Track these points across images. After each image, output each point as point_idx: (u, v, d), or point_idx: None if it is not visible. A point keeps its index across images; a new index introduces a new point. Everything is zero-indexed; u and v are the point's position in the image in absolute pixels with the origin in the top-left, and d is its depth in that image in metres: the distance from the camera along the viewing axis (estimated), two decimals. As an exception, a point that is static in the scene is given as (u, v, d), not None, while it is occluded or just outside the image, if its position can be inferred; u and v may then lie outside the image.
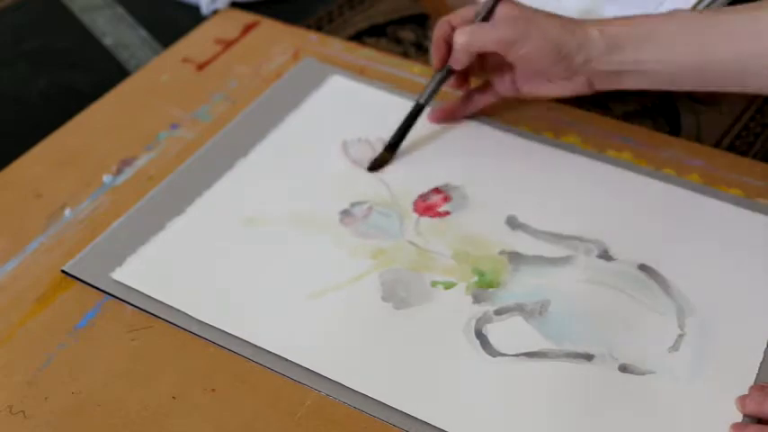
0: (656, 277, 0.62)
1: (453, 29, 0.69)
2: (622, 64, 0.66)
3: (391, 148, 0.71)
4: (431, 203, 0.68)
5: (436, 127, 0.74)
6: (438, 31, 0.70)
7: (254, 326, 0.59)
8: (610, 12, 0.79)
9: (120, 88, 0.79)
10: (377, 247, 0.64)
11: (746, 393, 0.55)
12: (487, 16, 0.68)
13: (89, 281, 0.62)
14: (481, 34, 0.67)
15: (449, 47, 0.69)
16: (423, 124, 0.75)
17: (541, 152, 0.72)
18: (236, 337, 0.58)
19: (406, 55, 0.84)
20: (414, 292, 0.61)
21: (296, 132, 0.74)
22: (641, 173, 0.70)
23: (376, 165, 0.70)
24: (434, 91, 0.71)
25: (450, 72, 0.71)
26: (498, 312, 0.60)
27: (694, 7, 0.78)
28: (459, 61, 0.68)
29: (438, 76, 0.71)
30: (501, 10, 0.67)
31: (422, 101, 0.71)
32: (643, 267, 0.63)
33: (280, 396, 0.56)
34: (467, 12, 0.69)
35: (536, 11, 0.67)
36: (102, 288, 0.62)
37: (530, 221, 0.66)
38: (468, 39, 0.67)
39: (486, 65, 0.71)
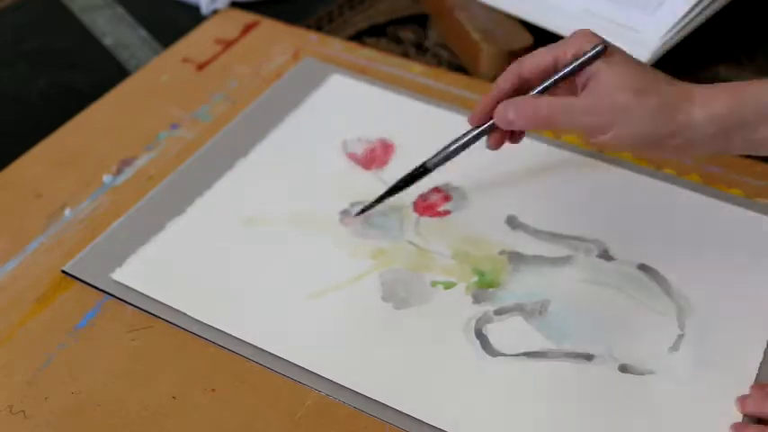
0: (656, 277, 0.62)
1: (522, 82, 0.58)
2: (730, 143, 0.56)
3: (379, 201, 0.66)
4: (431, 203, 0.68)
5: (436, 127, 0.74)
6: (502, 84, 0.58)
7: (254, 326, 0.59)
8: (610, 11, 0.79)
9: (120, 88, 0.79)
10: (377, 247, 0.64)
11: (746, 393, 0.55)
12: (567, 76, 0.57)
13: (89, 281, 0.62)
14: (560, 113, 0.55)
15: (503, 98, 0.58)
16: (423, 124, 0.75)
17: (541, 152, 0.72)
18: (236, 337, 0.58)
19: (406, 55, 0.84)
20: (414, 292, 0.61)
21: (296, 132, 0.74)
22: (641, 173, 0.70)
23: (363, 211, 0.66)
24: (452, 156, 0.62)
25: (485, 133, 0.60)
26: (498, 312, 0.60)
27: (693, 8, 0.78)
28: (510, 125, 0.57)
29: (468, 138, 0.61)
30: (593, 74, 0.55)
31: (430, 165, 0.63)
32: (643, 267, 0.63)
33: (280, 396, 0.56)
34: (541, 59, 0.57)
35: (631, 79, 0.55)
36: (102, 288, 0.62)
37: (530, 221, 0.66)
38: (548, 114, 0.55)
39: None
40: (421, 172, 0.64)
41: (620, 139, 0.55)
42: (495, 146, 0.60)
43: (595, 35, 0.57)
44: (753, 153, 0.57)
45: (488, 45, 0.79)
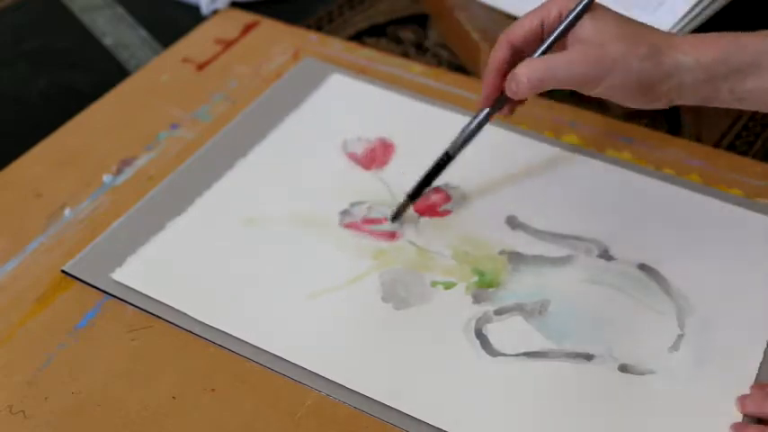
0: (656, 277, 0.62)
1: (514, 52, 0.59)
2: (717, 93, 0.57)
3: (412, 198, 0.66)
4: (431, 203, 0.68)
5: (436, 127, 0.74)
6: (496, 55, 0.59)
7: (254, 326, 0.59)
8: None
9: (120, 88, 0.79)
10: (377, 247, 0.64)
11: (746, 393, 0.55)
12: (561, 36, 0.58)
13: (89, 281, 0.62)
14: (556, 71, 0.57)
15: (504, 75, 0.59)
16: (423, 124, 0.75)
17: (541, 152, 0.72)
18: (236, 337, 0.58)
19: (406, 55, 0.84)
20: (414, 292, 0.61)
21: (296, 132, 0.74)
22: (641, 173, 0.70)
23: (397, 214, 0.66)
24: (470, 139, 0.63)
25: (498, 108, 0.62)
26: (498, 312, 0.60)
27: (693, 8, 0.78)
28: (521, 94, 0.58)
29: (480, 117, 0.62)
30: (580, 31, 0.57)
31: (452, 152, 0.64)
32: (643, 267, 0.63)
33: (280, 396, 0.56)
34: (528, 24, 0.59)
35: (617, 31, 0.56)
36: (102, 288, 0.62)
37: (530, 221, 0.66)
38: (541, 75, 0.57)
39: None
40: (445, 160, 0.64)
41: (614, 87, 0.56)
42: (510, 112, 0.63)
43: None
44: (738, 107, 0.58)
45: (488, 45, 0.79)
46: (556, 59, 0.57)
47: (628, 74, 0.55)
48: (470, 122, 0.63)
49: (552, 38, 0.58)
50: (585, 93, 0.57)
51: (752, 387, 0.56)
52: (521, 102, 0.62)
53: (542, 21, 0.58)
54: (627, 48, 0.55)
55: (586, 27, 0.56)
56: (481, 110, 0.62)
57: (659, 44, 0.56)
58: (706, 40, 0.56)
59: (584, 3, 0.57)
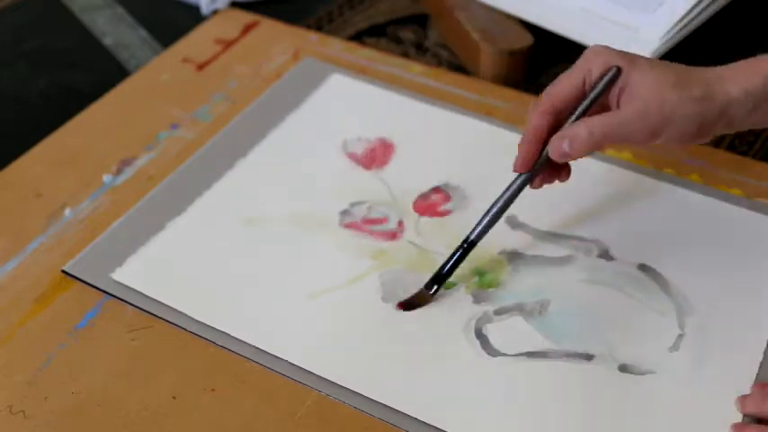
0: (656, 277, 0.62)
1: (556, 117, 0.57)
2: (765, 118, 0.57)
3: (429, 287, 0.61)
4: (431, 203, 0.68)
5: (436, 127, 0.74)
6: (539, 122, 0.57)
7: (254, 326, 0.59)
8: (610, 11, 0.79)
9: (120, 88, 0.79)
10: (377, 247, 0.64)
11: (746, 393, 0.55)
12: (600, 94, 0.57)
13: (89, 281, 0.62)
14: (621, 127, 0.55)
15: (543, 141, 0.57)
16: (423, 124, 0.75)
17: (541, 152, 0.72)
18: (236, 337, 0.58)
19: (406, 55, 0.84)
20: (414, 293, 0.61)
21: (296, 132, 0.74)
22: (641, 173, 0.70)
23: (409, 306, 0.60)
24: (494, 222, 0.60)
25: (534, 176, 0.59)
26: (498, 312, 0.60)
27: (693, 8, 0.78)
28: (575, 154, 0.56)
29: (512, 191, 0.59)
30: (630, 85, 0.56)
31: (474, 237, 0.60)
32: (643, 267, 0.63)
33: (280, 396, 0.56)
34: (570, 84, 0.57)
35: (666, 79, 0.55)
36: (103, 288, 0.62)
37: (530, 221, 0.66)
38: (605, 130, 0.55)
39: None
40: (467, 249, 0.60)
41: (675, 136, 0.55)
42: (541, 184, 0.60)
43: (608, 48, 0.57)
44: None
45: (488, 45, 0.79)
46: (617, 116, 0.56)
47: (687, 120, 0.55)
48: (503, 194, 0.59)
49: (592, 97, 0.57)
50: (642, 145, 0.58)
51: (752, 387, 0.56)
52: (561, 173, 0.60)
53: (584, 81, 0.57)
54: (681, 93, 0.55)
55: (635, 81, 0.56)
56: (518, 176, 0.59)
57: (709, 81, 0.56)
58: (748, 68, 0.57)
59: (612, 71, 0.56)
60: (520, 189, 0.59)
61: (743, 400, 0.55)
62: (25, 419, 0.54)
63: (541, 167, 0.58)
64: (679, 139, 0.56)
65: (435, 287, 0.60)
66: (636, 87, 0.56)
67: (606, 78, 0.56)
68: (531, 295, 0.61)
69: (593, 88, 0.57)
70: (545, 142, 0.57)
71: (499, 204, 0.59)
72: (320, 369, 0.57)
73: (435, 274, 0.60)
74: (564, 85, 0.57)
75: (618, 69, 0.56)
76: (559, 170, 0.60)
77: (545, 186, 0.66)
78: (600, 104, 0.57)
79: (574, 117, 0.57)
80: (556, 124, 0.57)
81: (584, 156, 0.56)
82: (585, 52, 0.58)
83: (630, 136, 0.56)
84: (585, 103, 0.57)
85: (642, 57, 0.57)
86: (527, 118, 0.58)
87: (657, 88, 0.55)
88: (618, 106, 0.57)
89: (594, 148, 0.56)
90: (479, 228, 0.60)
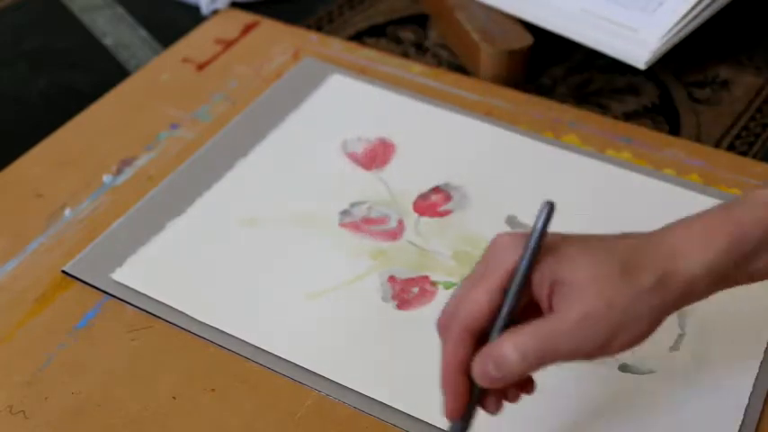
0: (656, 277, 0.62)
1: (475, 339, 0.44)
2: (728, 284, 0.47)
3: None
4: (431, 203, 0.68)
5: (436, 127, 0.74)
6: (457, 353, 0.44)
7: (254, 326, 0.59)
8: (609, 11, 0.79)
9: (120, 88, 0.79)
10: (377, 247, 0.64)
11: (747, 392, 0.55)
12: (527, 274, 0.44)
13: (89, 281, 0.62)
14: (558, 340, 0.43)
15: (469, 373, 0.44)
16: (423, 124, 0.75)
17: (541, 152, 0.72)
18: (236, 337, 0.58)
19: (406, 55, 0.84)
20: (414, 293, 0.61)
21: (296, 132, 0.74)
22: (641, 173, 0.70)
23: None
24: None
25: (471, 419, 0.46)
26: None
27: (693, 8, 0.78)
28: (508, 377, 0.44)
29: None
30: (558, 284, 0.44)
31: None
32: (643, 267, 0.63)
33: (280, 396, 0.56)
34: (485, 299, 0.44)
35: (605, 264, 0.43)
36: (102, 288, 0.62)
37: (530, 221, 0.66)
38: (537, 346, 0.43)
39: None
40: None
41: (627, 342, 0.44)
42: (497, 410, 0.47)
43: (515, 236, 0.46)
44: (754, 282, 0.48)
45: (488, 45, 0.79)
46: (555, 325, 0.43)
47: (643, 320, 0.44)
48: None
49: (507, 306, 0.44)
50: (586, 360, 0.44)
51: None
52: (521, 388, 0.47)
53: (500, 284, 0.44)
54: (630, 287, 0.43)
55: (568, 273, 0.43)
56: (452, 426, 0.46)
57: (660, 259, 0.44)
58: (706, 233, 0.45)
59: (532, 246, 0.44)
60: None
61: None
62: (25, 419, 0.54)
63: (482, 399, 0.46)
64: (632, 343, 0.44)
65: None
66: (571, 283, 0.43)
67: (520, 273, 0.44)
68: (531, 295, 0.61)
69: (507, 290, 0.44)
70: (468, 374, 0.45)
71: None
72: (320, 369, 0.57)
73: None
74: (476, 300, 0.44)
75: (551, 206, 0.45)
76: (523, 383, 0.47)
77: (545, 187, 0.66)
78: (526, 304, 0.45)
79: (496, 328, 0.44)
80: (477, 348, 0.45)
81: (522, 376, 0.44)
82: (488, 249, 0.47)
83: (575, 352, 0.43)
84: (506, 306, 0.44)
85: (567, 237, 0.45)
86: (441, 352, 0.45)
87: (600, 283, 0.43)
88: (551, 309, 0.44)
89: (530, 369, 0.44)
90: None
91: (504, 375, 0.43)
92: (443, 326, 0.45)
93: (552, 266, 0.44)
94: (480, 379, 0.44)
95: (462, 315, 0.44)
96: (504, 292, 0.44)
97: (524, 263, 0.44)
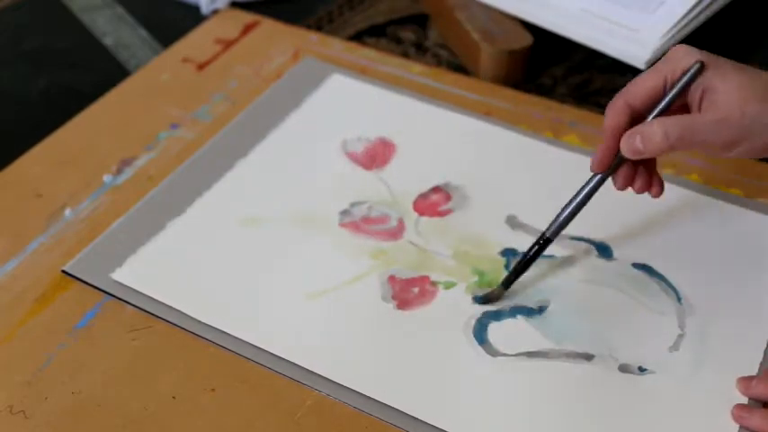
0: (656, 277, 0.62)
1: (633, 115, 0.56)
2: None
3: (506, 285, 0.61)
4: (431, 203, 0.68)
5: (436, 127, 0.74)
6: (616, 119, 0.56)
7: (254, 326, 0.59)
8: (610, 11, 0.79)
9: (120, 88, 0.79)
10: (377, 247, 0.64)
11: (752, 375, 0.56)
12: (682, 91, 0.55)
13: (89, 281, 0.62)
14: (698, 131, 0.54)
15: (618, 141, 0.56)
16: (423, 124, 0.75)
17: (541, 152, 0.72)
18: (236, 337, 0.58)
19: (406, 55, 0.84)
20: (413, 292, 0.61)
21: (296, 132, 0.74)
22: (641, 173, 0.70)
23: (486, 300, 0.61)
24: (569, 220, 0.59)
25: (610, 174, 0.58)
26: (498, 312, 0.60)
27: (693, 8, 0.78)
28: (649, 152, 0.55)
29: (588, 189, 0.58)
30: (709, 89, 0.54)
31: (549, 234, 0.59)
32: (643, 267, 0.63)
33: (280, 396, 0.56)
34: (651, 84, 0.56)
35: (749, 86, 0.54)
36: (103, 288, 0.62)
37: (530, 221, 0.66)
38: (680, 133, 0.54)
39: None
40: (542, 247, 0.60)
41: (753, 150, 0.54)
42: (624, 185, 0.58)
43: (693, 49, 0.55)
44: None
45: (488, 45, 0.79)
46: (695, 121, 0.54)
47: (763, 135, 0.54)
48: (578, 193, 0.59)
49: (670, 97, 0.55)
50: (718, 155, 0.55)
51: (764, 372, 0.56)
52: (648, 181, 0.58)
53: (665, 80, 0.56)
54: (764, 106, 0.53)
55: (717, 85, 0.54)
56: (592, 176, 0.58)
57: None
58: None
59: (695, 67, 0.54)
60: (596, 188, 0.58)
61: (747, 382, 0.55)
62: (25, 419, 0.54)
63: (618, 167, 0.57)
64: (755, 152, 0.55)
65: (508, 286, 0.60)
66: (718, 93, 0.54)
67: (689, 74, 0.54)
68: (531, 295, 0.61)
69: (674, 84, 0.55)
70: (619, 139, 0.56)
71: (575, 202, 0.59)
72: (320, 369, 0.57)
73: (510, 273, 0.60)
74: (643, 85, 0.56)
75: (701, 65, 0.54)
76: (650, 180, 0.58)
77: (545, 187, 0.66)
78: (680, 104, 0.56)
79: (654, 113, 0.55)
80: (633, 123, 0.56)
81: (658, 155, 0.55)
82: (668, 53, 0.56)
83: (706, 143, 0.54)
84: (667, 98, 0.55)
85: (728, 61, 0.55)
86: (604, 117, 0.56)
87: (740, 98, 0.53)
88: (699, 109, 0.55)
89: (668, 149, 0.54)
90: (554, 225, 0.59)
91: (646, 148, 0.54)
92: (611, 102, 0.57)
93: (709, 77, 0.54)
94: (626, 148, 0.55)
95: (629, 91, 0.56)
96: (665, 87, 0.55)
97: (693, 69, 0.55)
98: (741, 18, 0.87)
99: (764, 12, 0.89)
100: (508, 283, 0.61)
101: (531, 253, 0.60)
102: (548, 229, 0.59)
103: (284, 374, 0.57)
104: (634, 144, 0.55)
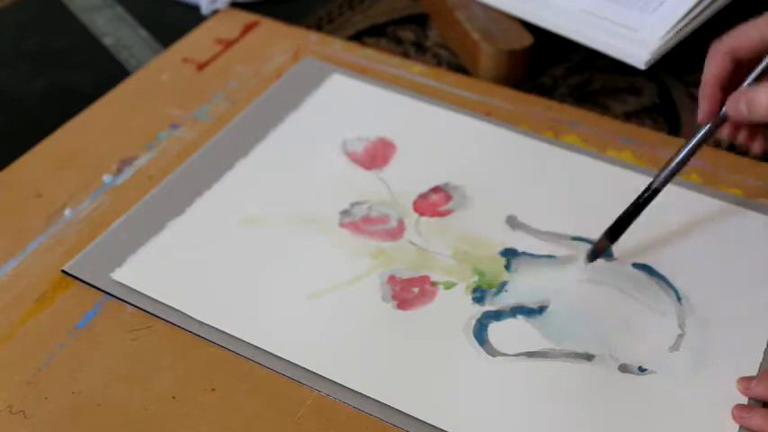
0: (656, 277, 0.62)
1: (737, 63, 0.54)
2: None
3: (611, 239, 0.61)
4: (431, 203, 0.68)
5: (436, 127, 0.74)
6: (718, 67, 0.54)
7: (254, 326, 0.59)
8: (610, 11, 0.79)
9: (120, 88, 0.79)
10: (377, 247, 0.64)
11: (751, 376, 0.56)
12: None
13: (89, 281, 0.62)
14: None
15: (724, 88, 0.55)
16: (423, 124, 0.75)
17: (541, 152, 0.72)
18: (236, 336, 0.58)
19: (406, 55, 0.84)
20: (413, 293, 0.61)
21: (296, 132, 0.74)
22: (641, 173, 0.70)
23: (594, 255, 0.62)
24: (676, 171, 0.58)
25: (718, 126, 0.57)
26: (498, 312, 0.60)
27: (693, 8, 0.78)
28: (752, 119, 0.53)
29: (700, 135, 0.56)
30: None
31: (657, 184, 0.58)
32: (643, 267, 0.63)
33: (280, 396, 0.56)
34: (758, 35, 0.54)
35: None
36: (102, 288, 0.62)
37: (530, 221, 0.66)
38: None
39: None
40: (649, 197, 0.59)
41: None
42: (732, 137, 0.57)
43: None
44: None
45: (488, 45, 0.79)
46: None
47: None
48: (687, 144, 0.57)
49: None
50: None
51: (762, 371, 0.56)
52: (753, 134, 0.57)
53: None
54: None
55: None
56: (699, 128, 0.57)
57: None
58: None
59: None
60: (704, 140, 0.57)
61: (747, 383, 0.55)
62: (25, 419, 0.55)
63: (725, 121, 0.56)
64: None
65: (615, 239, 0.60)
66: None
67: None
68: (531, 295, 0.61)
69: None
70: (727, 90, 0.54)
71: (683, 153, 0.57)
72: (320, 369, 0.57)
73: (615, 223, 0.60)
74: (746, 36, 0.54)
75: None
76: (755, 132, 0.57)
77: (545, 187, 0.66)
78: None
79: (753, 75, 0.53)
80: (736, 72, 0.54)
81: (761, 121, 0.53)
82: None
83: None
84: (765, 62, 0.53)
85: None
86: (705, 65, 0.54)
87: None
88: None
89: None
90: (662, 176, 0.58)
91: (751, 114, 0.52)
92: (712, 48, 0.55)
93: None
94: (731, 111, 0.53)
95: (731, 41, 0.54)
96: None
97: None
98: (741, 18, 0.87)
99: (764, 12, 0.89)
100: (613, 235, 0.60)
101: (640, 202, 0.59)
102: (655, 178, 0.58)
103: (284, 374, 0.57)
104: (738, 107, 0.53)
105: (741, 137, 0.58)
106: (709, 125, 0.57)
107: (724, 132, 0.57)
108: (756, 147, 0.57)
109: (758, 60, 0.54)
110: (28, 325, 0.60)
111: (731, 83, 0.55)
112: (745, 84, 0.54)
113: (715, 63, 0.55)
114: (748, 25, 0.55)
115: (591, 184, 0.69)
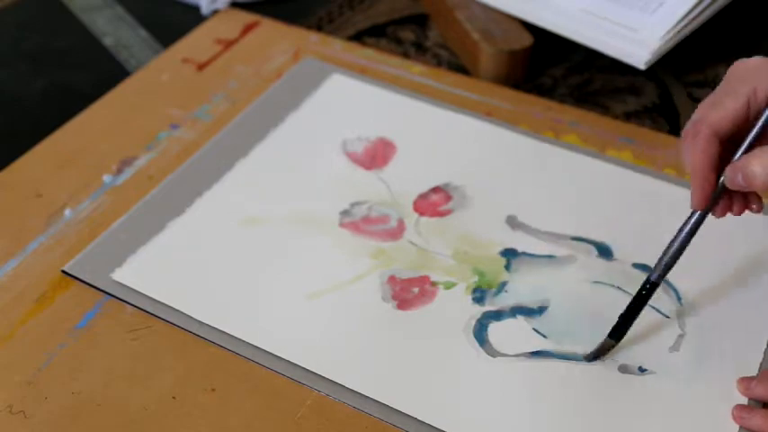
0: (656, 277, 0.62)
1: (722, 143, 0.52)
2: None
3: (616, 338, 0.57)
4: (431, 203, 0.68)
5: (436, 127, 0.74)
6: (708, 152, 0.52)
7: (253, 326, 0.59)
8: (610, 11, 0.79)
9: (120, 88, 0.79)
10: (377, 247, 0.64)
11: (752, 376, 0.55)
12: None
13: (89, 281, 0.62)
14: None
15: (716, 168, 0.52)
16: (423, 124, 0.75)
17: (541, 152, 0.72)
18: (236, 336, 0.58)
19: (406, 55, 0.84)
20: (413, 293, 0.61)
21: (296, 132, 0.74)
22: (641, 173, 0.70)
23: (597, 355, 0.58)
24: (674, 263, 0.55)
25: (713, 207, 0.54)
26: (498, 312, 0.60)
27: (693, 8, 0.78)
28: (757, 189, 0.51)
29: (691, 226, 0.54)
30: None
31: (654, 278, 0.56)
32: (643, 267, 0.63)
33: (280, 396, 0.56)
34: (733, 107, 0.52)
35: None
36: (102, 288, 0.62)
37: (530, 221, 0.66)
38: None
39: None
40: (649, 292, 0.56)
41: None
42: (723, 214, 0.55)
43: (763, 59, 0.52)
44: None
45: (488, 45, 0.79)
46: None
47: None
48: (680, 231, 0.55)
49: (760, 124, 0.51)
50: None
51: (761, 372, 0.56)
52: (746, 201, 0.55)
53: (748, 102, 0.52)
54: None
55: None
56: (692, 213, 0.54)
57: None
58: None
59: None
60: (699, 223, 0.55)
61: (747, 383, 0.55)
62: (25, 419, 0.55)
63: (719, 198, 0.54)
64: None
65: (618, 335, 0.57)
66: None
67: None
68: (531, 295, 0.61)
69: (759, 112, 0.52)
70: (718, 171, 0.52)
71: (679, 242, 0.55)
72: (320, 369, 0.57)
73: (617, 324, 0.57)
74: (725, 112, 0.52)
75: None
76: (747, 199, 0.55)
77: (545, 187, 0.66)
78: None
79: (744, 146, 0.52)
80: (722, 150, 0.52)
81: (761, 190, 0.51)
82: (738, 69, 0.53)
83: None
84: (754, 131, 0.51)
85: None
86: (684, 149, 0.53)
87: None
88: None
89: None
90: (660, 268, 0.56)
91: (750, 186, 0.51)
92: (689, 132, 0.53)
93: None
94: (730, 183, 0.52)
95: (712, 120, 0.52)
96: (755, 111, 0.52)
97: None
98: (741, 18, 0.87)
99: (764, 12, 0.89)
100: (618, 334, 0.57)
101: (641, 296, 0.56)
102: (652, 272, 0.56)
103: (284, 374, 0.57)
104: (736, 180, 0.51)
105: (735, 209, 0.55)
106: (702, 211, 0.54)
107: (718, 213, 0.55)
108: (755, 207, 0.55)
109: (740, 129, 0.52)
110: (28, 325, 0.60)
111: (721, 162, 0.53)
112: (737, 157, 0.52)
113: (702, 148, 0.52)
114: (721, 94, 0.53)
115: (591, 183, 0.69)
